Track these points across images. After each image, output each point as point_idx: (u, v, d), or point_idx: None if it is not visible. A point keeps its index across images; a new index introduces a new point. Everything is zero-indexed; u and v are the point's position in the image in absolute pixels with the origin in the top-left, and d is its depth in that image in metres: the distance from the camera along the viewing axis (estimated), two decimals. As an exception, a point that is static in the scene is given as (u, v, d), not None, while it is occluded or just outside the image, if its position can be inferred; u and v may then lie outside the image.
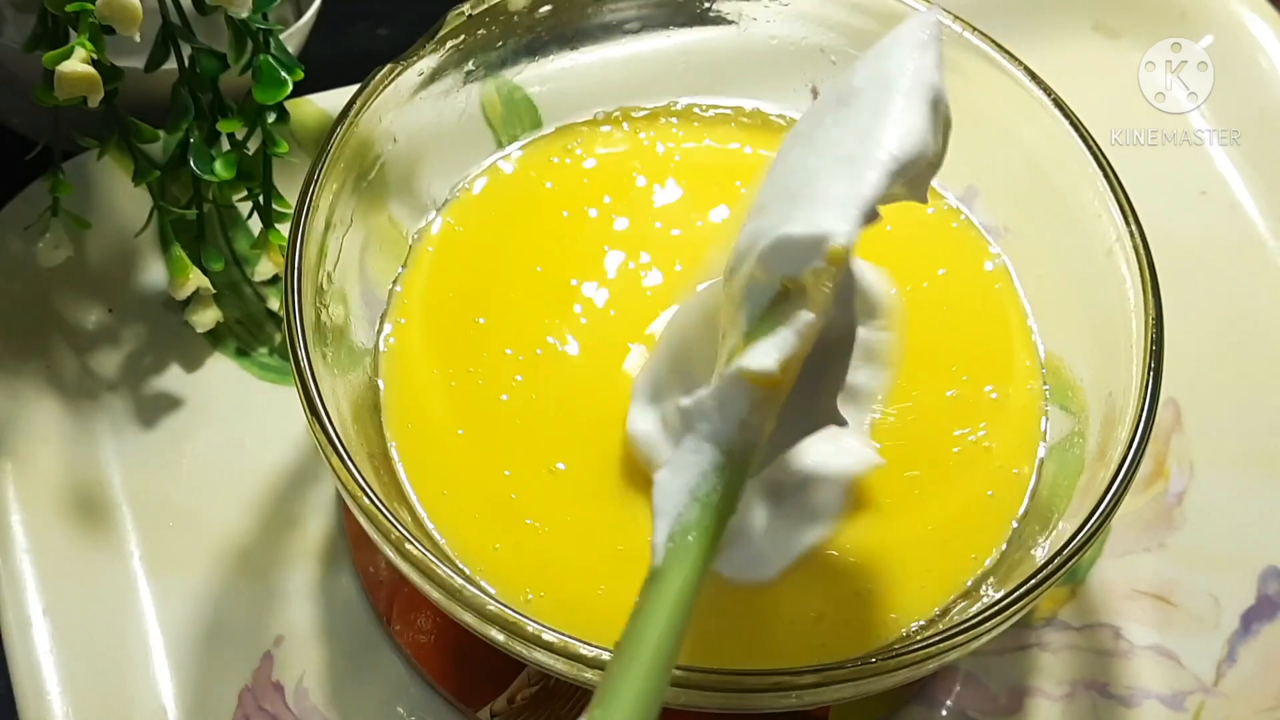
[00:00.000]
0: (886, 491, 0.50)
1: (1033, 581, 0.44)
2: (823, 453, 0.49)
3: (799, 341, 0.39)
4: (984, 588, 0.49)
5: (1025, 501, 0.51)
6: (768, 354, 0.38)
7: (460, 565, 0.49)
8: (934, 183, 0.58)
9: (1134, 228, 0.50)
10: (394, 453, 0.51)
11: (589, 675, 0.43)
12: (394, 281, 0.55)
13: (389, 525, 0.44)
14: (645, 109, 0.59)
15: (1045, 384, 0.54)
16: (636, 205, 0.57)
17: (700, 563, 0.37)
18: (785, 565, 0.48)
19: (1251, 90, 0.69)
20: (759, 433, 0.39)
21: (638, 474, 0.50)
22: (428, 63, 0.54)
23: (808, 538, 0.49)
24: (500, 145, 0.58)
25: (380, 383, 0.52)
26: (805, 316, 0.39)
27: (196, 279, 0.58)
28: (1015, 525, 0.51)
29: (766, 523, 0.48)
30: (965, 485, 0.52)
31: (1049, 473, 0.52)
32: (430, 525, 0.50)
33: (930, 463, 0.52)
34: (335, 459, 0.45)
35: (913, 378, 0.53)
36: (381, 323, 0.54)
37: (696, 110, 0.60)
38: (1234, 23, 0.70)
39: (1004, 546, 0.50)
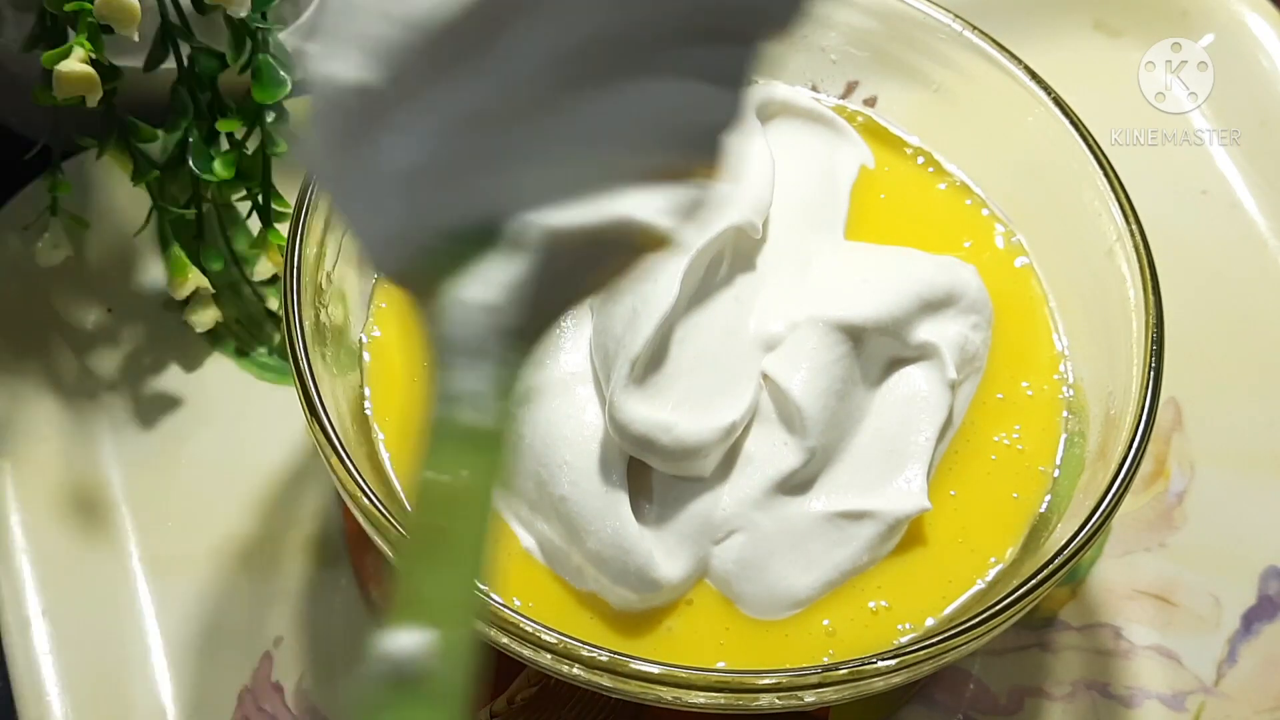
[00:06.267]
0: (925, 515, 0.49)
1: (1032, 582, 0.44)
2: (873, 494, 0.48)
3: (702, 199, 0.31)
4: (995, 587, 0.49)
5: (1046, 499, 0.50)
6: (665, 211, 0.30)
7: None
8: (941, 159, 0.57)
9: (1134, 227, 0.50)
10: (381, 449, 0.50)
11: (588, 675, 0.43)
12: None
13: (389, 525, 0.44)
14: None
15: (1069, 363, 0.53)
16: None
17: (514, 433, 0.28)
18: (812, 602, 0.47)
19: (1251, 90, 0.69)
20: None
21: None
22: (427, 62, 0.53)
23: (840, 576, 0.47)
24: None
25: (365, 376, 0.52)
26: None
27: (195, 279, 0.58)
28: (1032, 524, 0.50)
29: (804, 560, 0.47)
30: (996, 491, 0.51)
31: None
32: None
33: (968, 478, 0.51)
34: (335, 459, 0.45)
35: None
36: (368, 314, 0.53)
37: None
38: (1234, 22, 0.70)
39: (1019, 546, 0.50)
